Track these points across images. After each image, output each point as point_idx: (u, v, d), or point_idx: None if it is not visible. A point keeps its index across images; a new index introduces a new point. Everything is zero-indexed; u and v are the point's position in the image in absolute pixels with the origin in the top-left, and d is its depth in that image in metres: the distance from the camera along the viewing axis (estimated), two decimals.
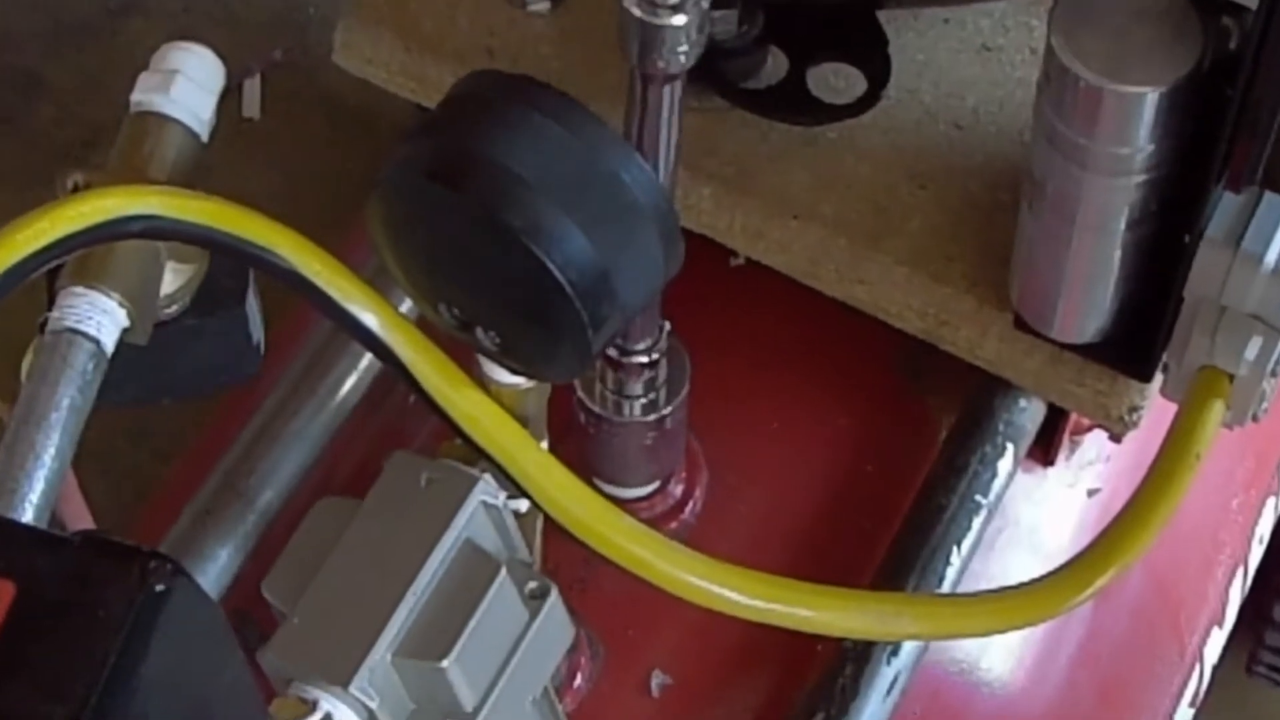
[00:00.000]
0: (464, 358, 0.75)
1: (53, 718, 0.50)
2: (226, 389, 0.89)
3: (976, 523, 0.97)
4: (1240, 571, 1.21)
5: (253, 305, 0.82)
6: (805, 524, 1.03)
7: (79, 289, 0.73)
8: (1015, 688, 1.07)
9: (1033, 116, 0.82)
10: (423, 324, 0.74)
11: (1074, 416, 1.04)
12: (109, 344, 0.73)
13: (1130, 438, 0.96)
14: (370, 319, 0.73)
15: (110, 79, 1.95)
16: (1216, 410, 0.84)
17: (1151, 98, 0.77)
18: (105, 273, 0.74)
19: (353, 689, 0.72)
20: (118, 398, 0.76)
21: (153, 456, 1.71)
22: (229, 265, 0.79)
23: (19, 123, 1.95)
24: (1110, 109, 0.77)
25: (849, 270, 0.95)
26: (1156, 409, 0.92)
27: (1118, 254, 0.85)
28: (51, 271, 0.73)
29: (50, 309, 0.74)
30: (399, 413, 1.03)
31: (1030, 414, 1.00)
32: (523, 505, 0.78)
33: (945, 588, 0.96)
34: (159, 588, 0.53)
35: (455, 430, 0.75)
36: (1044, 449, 1.06)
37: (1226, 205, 0.81)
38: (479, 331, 0.72)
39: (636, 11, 0.71)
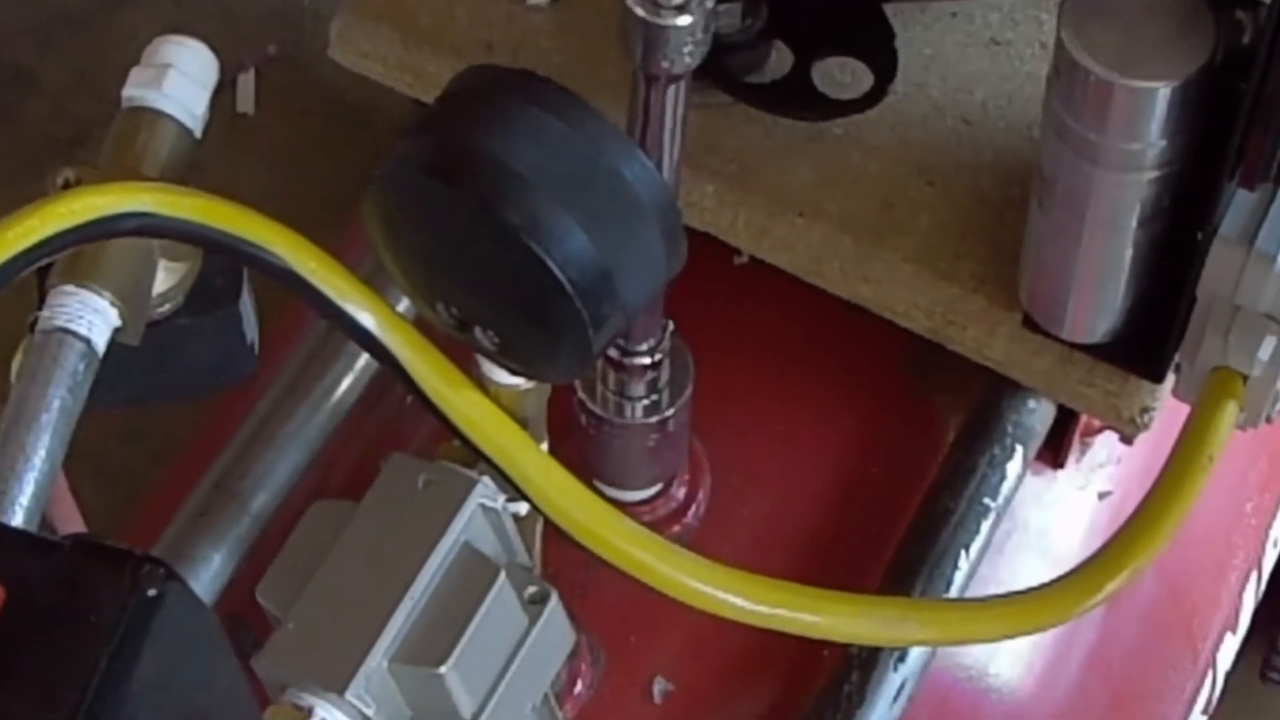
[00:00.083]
0: (462, 358, 0.75)
1: None
2: (220, 389, 0.89)
3: (985, 526, 0.97)
4: (1254, 575, 1.21)
5: (247, 304, 0.82)
6: (810, 527, 1.03)
7: (70, 288, 0.74)
8: (1024, 694, 1.07)
9: (1042, 112, 0.82)
10: (420, 323, 0.75)
11: (1084, 418, 1.04)
12: (100, 344, 0.73)
13: (1142, 440, 0.96)
14: (367, 318, 0.73)
15: (102, 73, 1.95)
16: (1230, 412, 0.84)
17: (1163, 92, 0.77)
18: (97, 271, 0.74)
19: (349, 696, 0.72)
20: (109, 398, 0.76)
21: (145, 458, 1.71)
22: (223, 264, 0.80)
23: (9, 118, 1.95)
24: (1121, 104, 0.77)
25: (855, 268, 0.95)
26: (1168, 410, 0.92)
27: (1129, 252, 0.85)
28: (42, 270, 0.73)
29: (40, 308, 0.74)
30: (396, 414, 1.03)
31: (1040, 415, 1.00)
32: (522, 508, 0.78)
33: (953, 592, 0.96)
34: (151, 592, 0.53)
35: (453, 432, 0.75)
36: (1054, 451, 1.06)
37: (1240, 202, 0.81)
38: (477, 331, 0.72)
39: (640, 11, 0.70)
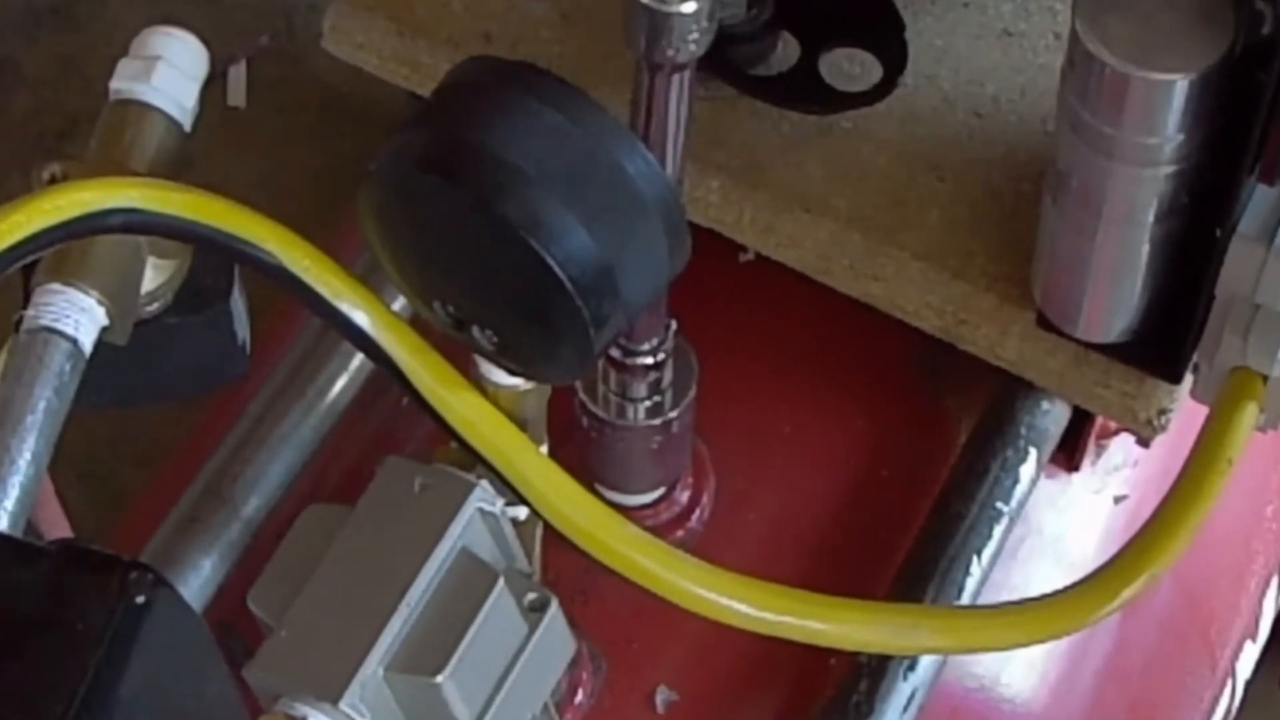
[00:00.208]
0: (460, 358, 0.75)
1: None
2: (211, 391, 0.89)
3: (998, 531, 0.97)
4: (1274, 582, 1.21)
5: (238, 303, 0.82)
6: (818, 532, 1.03)
7: (56, 286, 0.74)
8: (1038, 704, 1.07)
9: (1057, 105, 0.82)
10: (417, 323, 0.75)
11: (1100, 420, 1.04)
12: (87, 343, 0.73)
13: (1159, 442, 0.96)
14: (361, 317, 0.73)
15: (88, 66, 1.96)
16: (1249, 413, 0.84)
17: (1181, 85, 0.77)
18: (83, 269, 0.74)
19: (343, 705, 0.72)
20: (96, 400, 0.76)
21: (133, 461, 1.71)
22: (213, 261, 0.80)
23: None
24: (1138, 97, 0.77)
25: (864, 266, 0.95)
26: (1186, 412, 0.92)
27: (1146, 249, 0.85)
28: (27, 267, 0.73)
29: (25, 306, 0.74)
30: (391, 415, 1.03)
31: (1054, 417, 1.00)
32: (521, 512, 0.78)
33: (965, 599, 0.96)
34: (139, 599, 0.53)
35: (450, 434, 0.75)
36: (1068, 454, 1.06)
37: (1260, 198, 0.81)
38: (475, 330, 0.72)
39: None
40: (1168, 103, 0.77)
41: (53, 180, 0.76)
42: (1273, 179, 0.80)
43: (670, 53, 0.71)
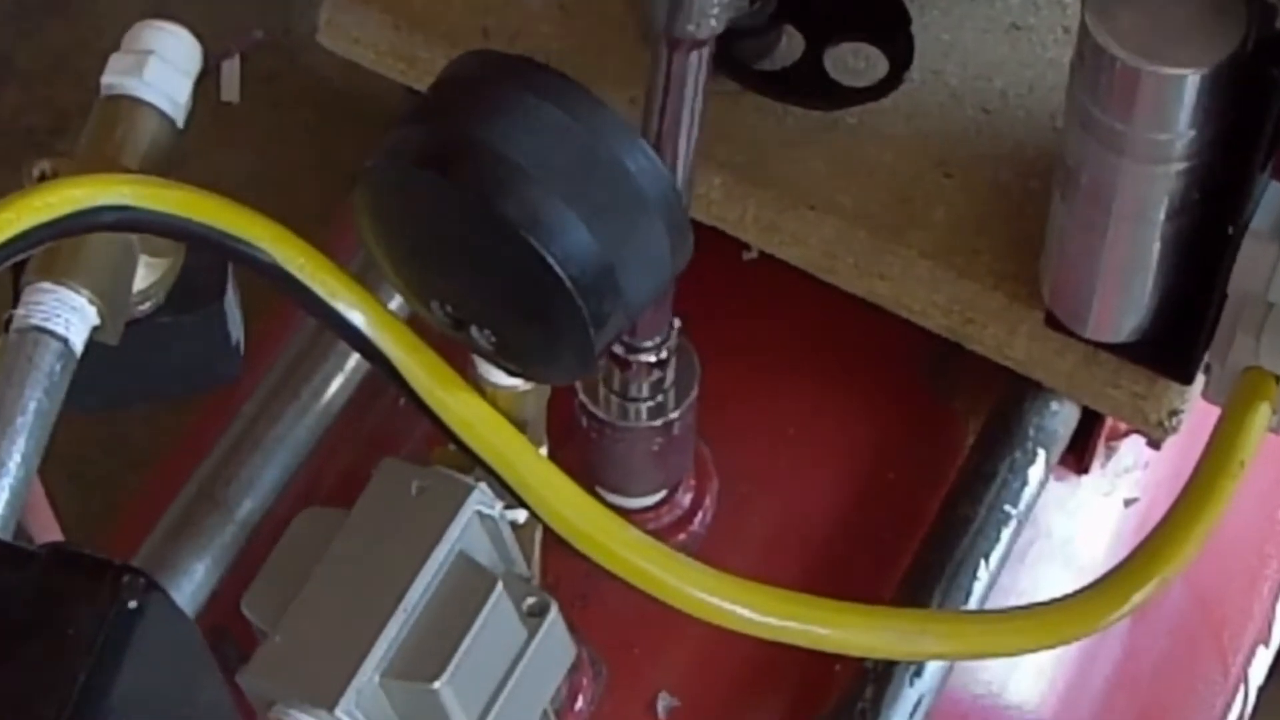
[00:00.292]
0: (458, 358, 0.75)
1: None
2: (204, 391, 0.89)
3: (1006, 534, 0.97)
4: None
5: (232, 302, 0.82)
6: (822, 536, 1.03)
7: (46, 285, 0.73)
8: (1047, 711, 1.07)
9: (1066, 100, 0.82)
10: (414, 322, 0.75)
11: (1110, 421, 1.04)
12: (78, 343, 0.73)
13: (1170, 444, 0.96)
14: (357, 317, 0.73)
15: (79, 60, 1.96)
16: (1262, 414, 0.84)
17: (1192, 80, 0.77)
18: (74, 267, 0.74)
19: (339, 712, 0.72)
20: (88, 401, 0.76)
21: (125, 464, 1.71)
22: (206, 259, 0.80)
23: None
24: (1148, 92, 0.77)
25: (869, 264, 0.95)
26: (1198, 413, 0.92)
27: (1156, 247, 0.85)
28: (17, 266, 0.73)
29: (15, 305, 0.74)
30: (388, 417, 1.03)
31: (1063, 418, 1.00)
32: (520, 515, 0.78)
33: (972, 604, 0.96)
34: (132, 604, 0.53)
35: (448, 435, 0.75)
36: (1078, 455, 1.06)
37: (1272, 195, 0.81)
38: (474, 330, 0.72)
39: None
40: (1179, 98, 0.77)
41: (43, 177, 0.76)
42: None
43: (691, 28, 0.71)
